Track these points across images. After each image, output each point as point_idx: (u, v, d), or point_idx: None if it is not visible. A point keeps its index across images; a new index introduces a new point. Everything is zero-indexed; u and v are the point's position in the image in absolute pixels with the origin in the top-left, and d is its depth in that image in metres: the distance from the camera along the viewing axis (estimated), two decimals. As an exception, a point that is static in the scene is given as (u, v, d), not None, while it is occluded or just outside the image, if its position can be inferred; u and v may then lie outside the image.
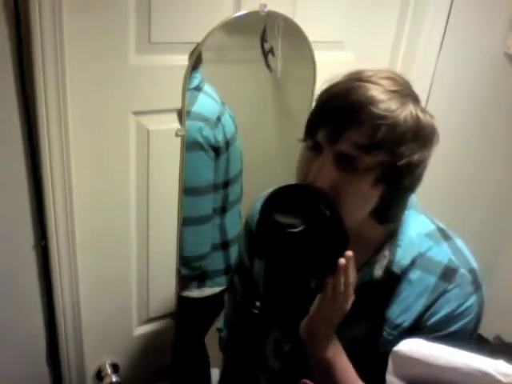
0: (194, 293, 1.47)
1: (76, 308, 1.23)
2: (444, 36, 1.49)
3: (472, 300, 0.77)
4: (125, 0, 1.01)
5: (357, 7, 1.32)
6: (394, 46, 1.45)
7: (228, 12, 1.11)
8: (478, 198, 1.87)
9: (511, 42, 1.63)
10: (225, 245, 1.47)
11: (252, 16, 1.12)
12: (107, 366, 1.37)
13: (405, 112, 0.68)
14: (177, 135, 1.16)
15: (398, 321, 0.80)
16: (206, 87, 1.33)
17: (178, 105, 1.13)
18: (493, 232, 2.01)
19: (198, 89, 1.30)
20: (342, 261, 0.72)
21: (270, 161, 1.52)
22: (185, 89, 1.11)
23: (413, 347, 0.65)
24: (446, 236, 0.81)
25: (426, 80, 1.49)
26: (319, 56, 1.24)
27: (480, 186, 1.85)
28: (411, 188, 0.75)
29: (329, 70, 1.29)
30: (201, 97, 1.30)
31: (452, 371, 0.59)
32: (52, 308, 1.22)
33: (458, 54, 1.56)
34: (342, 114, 0.68)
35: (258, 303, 1.07)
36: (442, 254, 0.79)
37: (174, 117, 1.16)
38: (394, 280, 0.79)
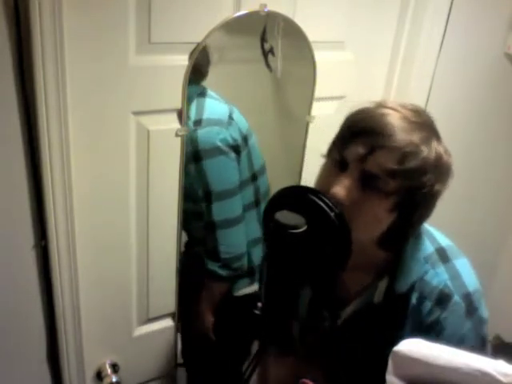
0: (247, 289, 1.47)
1: (76, 308, 1.23)
2: (444, 36, 1.48)
3: (467, 327, 0.78)
4: (125, 0, 1.01)
5: (357, 7, 1.32)
6: (393, 45, 1.45)
7: (228, 12, 1.12)
8: (477, 197, 1.87)
9: (511, 41, 1.63)
10: None
11: (252, 16, 1.12)
12: (107, 366, 1.37)
13: (429, 147, 0.73)
14: (177, 135, 1.16)
15: (399, 337, 0.81)
16: (209, 92, 1.34)
17: (178, 105, 1.13)
18: (493, 232, 2.01)
19: (203, 95, 1.31)
20: None
21: (269, 161, 1.52)
22: (185, 89, 1.11)
23: (413, 347, 0.65)
24: (444, 258, 0.82)
25: (425, 80, 1.49)
26: (319, 56, 1.24)
27: (480, 185, 1.85)
28: (420, 220, 0.79)
29: (329, 70, 1.30)
30: (207, 102, 1.31)
31: (452, 371, 0.59)
32: (52, 308, 1.22)
33: (458, 54, 1.55)
34: (373, 135, 0.72)
35: (259, 304, 1.07)
36: (438, 278, 0.80)
37: (174, 117, 1.16)
38: (393, 304, 0.81)
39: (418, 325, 0.80)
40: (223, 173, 1.31)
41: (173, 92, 1.11)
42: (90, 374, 1.36)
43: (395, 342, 0.80)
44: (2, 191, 1.05)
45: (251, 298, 1.48)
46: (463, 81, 1.63)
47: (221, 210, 1.32)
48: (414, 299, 0.80)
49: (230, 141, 1.29)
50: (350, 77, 1.41)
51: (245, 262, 1.42)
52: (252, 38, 1.29)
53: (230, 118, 1.32)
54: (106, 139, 1.11)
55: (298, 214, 0.85)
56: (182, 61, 1.11)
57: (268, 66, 1.33)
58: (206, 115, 1.28)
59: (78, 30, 0.98)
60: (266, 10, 1.12)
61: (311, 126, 1.35)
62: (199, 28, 1.07)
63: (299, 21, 1.18)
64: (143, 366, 1.46)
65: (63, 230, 1.12)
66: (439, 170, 0.74)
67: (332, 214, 0.86)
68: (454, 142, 1.69)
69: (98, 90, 1.05)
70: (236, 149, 1.31)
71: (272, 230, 0.85)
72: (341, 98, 1.41)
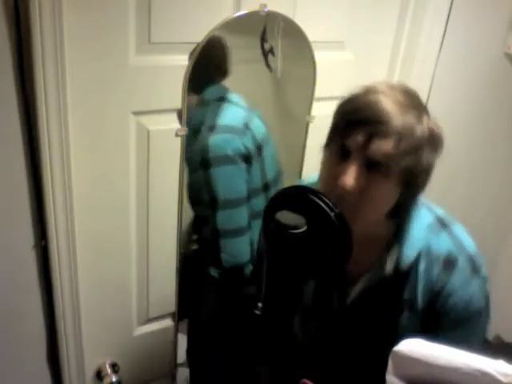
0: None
1: (76, 308, 1.23)
2: (444, 36, 1.49)
3: (474, 284, 0.84)
4: (125, 0, 1.01)
5: (357, 7, 1.32)
6: (394, 45, 1.45)
7: (228, 12, 1.12)
8: (477, 197, 1.87)
9: (511, 41, 1.63)
10: None
11: (252, 16, 1.12)
12: (107, 366, 1.37)
13: (422, 124, 0.78)
14: (177, 135, 1.16)
15: (413, 304, 0.87)
16: (231, 96, 1.32)
17: (178, 105, 1.13)
18: (493, 232, 2.01)
19: (222, 99, 1.29)
20: None
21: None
22: (185, 89, 1.11)
23: (413, 347, 0.65)
24: (444, 225, 0.88)
25: (425, 80, 1.49)
26: (319, 56, 1.24)
27: (480, 185, 1.85)
28: (423, 188, 0.84)
29: (329, 70, 1.30)
30: (225, 107, 1.29)
31: (452, 371, 0.59)
32: (52, 308, 1.22)
33: (458, 54, 1.55)
34: (371, 123, 0.76)
35: (259, 304, 1.07)
36: (441, 245, 0.86)
37: (174, 117, 1.16)
38: (403, 274, 0.86)
39: (428, 293, 0.85)
40: (230, 182, 1.28)
41: (173, 92, 1.11)
42: (89, 373, 1.36)
43: (406, 317, 0.86)
44: (1, 191, 1.05)
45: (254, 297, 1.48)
46: (463, 81, 1.63)
47: (225, 219, 1.30)
48: (421, 268, 0.85)
49: (242, 150, 1.26)
50: (350, 77, 1.41)
51: (248, 270, 1.41)
52: (252, 37, 1.29)
53: (246, 126, 1.29)
54: (106, 139, 1.11)
55: (298, 215, 0.85)
56: (181, 61, 1.11)
57: (268, 66, 1.33)
58: (221, 121, 1.26)
59: (78, 30, 0.98)
60: (265, 9, 1.12)
61: (311, 126, 1.35)
62: (199, 28, 1.06)
63: (299, 21, 1.18)
64: (143, 366, 1.46)
65: (63, 230, 1.12)
66: (433, 142, 0.80)
67: (332, 214, 0.87)
68: (454, 141, 1.69)
69: (98, 89, 1.05)
70: (247, 158, 1.28)
71: (272, 231, 0.85)
72: (340, 98, 1.41)
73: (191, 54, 1.10)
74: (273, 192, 1.42)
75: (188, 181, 1.30)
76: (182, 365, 1.56)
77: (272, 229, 0.85)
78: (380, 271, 0.87)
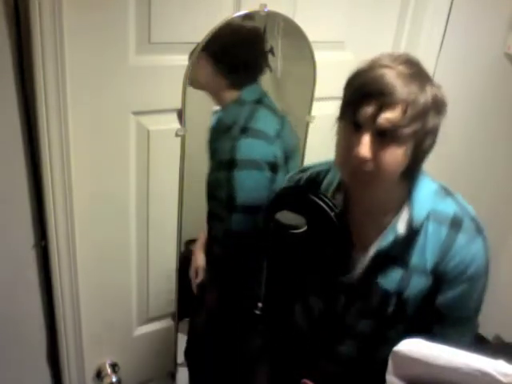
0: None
1: (76, 308, 1.23)
2: (444, 36, 1.49)
3: (479, 242, 0.92)
4: (125, 0, 1.01)
5: (357, 7, 1.32)
6: (394, 45, 1.45)
7: (228, 12, 1.11)
8: (478, 197, 1.87)
9: (511, 41, 1.63)
10: None
11: (252, 16, 1.12)
12: (107, 366, 1.37)
13: (425, 92, 0.83)
14: (177, 135, 1.16)
15: (422, 266, 0.93)
16: (267, 99, 1.31)
17: (178, 105, 1.13)
18: (492, 232, 2.00)
19: (258, 102, 1.28)
20: None
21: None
22: (185, 89, 1.11)
23: (413, 347, 0.65)
24: (448, 192, 0.97)
25: (426, 80, 1.49)
26: (319, 56, 1.24)
27: (480, 185, 1.85)
28: (431, 148, 0.89)
29: (329, 70, 1.30)
30: (261, 111, 1.27)
31: (452, 371, 0.59)
32: (52, 308, 1.22)
33: (458, 54, 1.55)
34: (378, 96, 0.82)
35: (259, 304, 1.07)
36: (448, 207, 0.94)
37: (174, 117, 1.16)
38: (414, 234, 0.93)
39: (436, 253, 0.92)
40: (252, 187, 1.26)
41: (173, 92, 1.11)
42: (89, 373, 1.36)
43: (415, 283, 0.94)
44: (2, 191, 1.05)
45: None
46: (463, 81, 1.63)
47: (239, 223, 1.28)
48: (430, 229, 0.92)
49: (271, 157, 1.24)
50: (350, 77, 1.41)
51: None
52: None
53: (278, 134, 1.27)
54: (106, 139, 1.11)
55: (298, 215, 0.85)
56: (181, 61, 1.10)
57: (268, 65, 1.33)
58: (254, 125, 1.24)
59: (78, 29, 0.98)
60: (265, 10, 1.12)
61: (311, 126, 1.35)
62: (199, 28, 1.06)
63: (299, 21, 1.18)
64: (143, 365, 1.46)
65: (63, 230, 1.12)
66: (437, 107, 0.86)
67: (332, 214, 0.87)
68: (454, 141, 1.70)
69: (98, 89, 1.05)
70: (274, 167, 1.26)
71: (272, 231, 0.85)
72: (341, 98, 1.41)
73: (191, 54, 1.10)
74: None
75: (207, 175, 1.30)
76: (181, 365, 1.56)
77: (272, 229, 0.85)
78: (393, 232, 0.93)
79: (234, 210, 1.26)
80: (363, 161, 0.84)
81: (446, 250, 0.92)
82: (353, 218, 0.97)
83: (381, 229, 0.95)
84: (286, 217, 0.84)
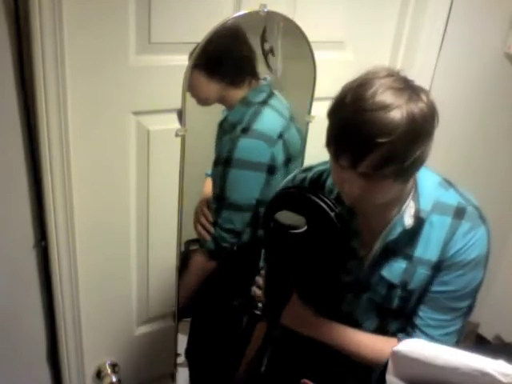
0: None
1: (76, 308, 1.23)
2: (444, 36, 1.48)
3: (482, 230, 0.95)
4: (125, 0, 1.01)
5: (357, 7, 1.32)
6: (393, 45, 1.45)
7: (228, 12, 1.11)
8: (478, 197, 1.87)
9: (511, 42, 1.63)
10: None
11: (252, 16, 1.12)
12: (107, 366, 1.37)
13: (402, 126, 0.79)
14: (177, 135, 1.16)
15: (426, 257, 0.95)
16: (274, 101, 1.31)
17: (178, 105, 1.13)
18: (493, 232, 2.00)
19: (264, 103, 1.28)
20: None
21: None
22: (185, 89, 1.11)
23: (413, 347, 0.65)
24: (450, 184, 1.00)
25: (426, 80, 1.49)
26: (319, 56, 1.24)
27: (480, 185, 1.85)
28: (423, 163, 0.89)
29: (329, 70, 1.30)
30: (265, 112, 1.28)
31: (452, 371, 0.59)
32: (52, 308, 1.22)
33: (458, 54, 1.55)
34: (356, 147, 0.81)
35: (260, 304, 1.07)
36: (451, 198, 0.96)
37: (174, 117, 1.16)
38: (419, 225, 0.95)
39: (441, 243, 0.94)
40: (243, 187, 1.28)
41: (173, 92, 1.11)
42: (89, 373, 1.36)
43: (420, 258, 0.95)
44: (2, 191, 1.05)
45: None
46: (463, 81, 1.63)
47: (227, 219, 1.31)
48: (434, 219, 0.94)
49: (268, 159, 1.25)
50: (349, 77, 1.40)
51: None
52: (252, 38, 1.29)
53: (280, 135, 1.28)
54: (106, 139, 1.11)
55: (298, 215, 0.85)
56: (181, 61, 1.10)
57: (268, 66, 1.33)
58: (256, 126, 1.25)
59: (78, 29, 0.97)
60: (265, 10, 1.12)
61: (311, 126, 1.35)
62: (199, 28, 1.06)
63: (299, 21, 1.18)
64: (143, 366, 1.46)
65: (63, 230, 1.12)
66: (419, 133, 0.82)
67: (332, 214, 0.87)
68: (454, 142, 1.70)
69: (98, 89, 1.05)
70: (271, 169, 1.27)
71: (272, 231, 0.85)
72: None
73: (191, 54, 1.10)
74: None
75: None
76: (181, 365, 1.56)
77: (272, 229, 0.85)
78: (400, 224, 0.94)
79: (224, 207, 1.28)
80: (354, 197, 0.87)
81: (449, 237, 0.94)
82: (358, 213, 0.99)
83: (386, 222, 0.96)
84: (285, 217, 0.84)
